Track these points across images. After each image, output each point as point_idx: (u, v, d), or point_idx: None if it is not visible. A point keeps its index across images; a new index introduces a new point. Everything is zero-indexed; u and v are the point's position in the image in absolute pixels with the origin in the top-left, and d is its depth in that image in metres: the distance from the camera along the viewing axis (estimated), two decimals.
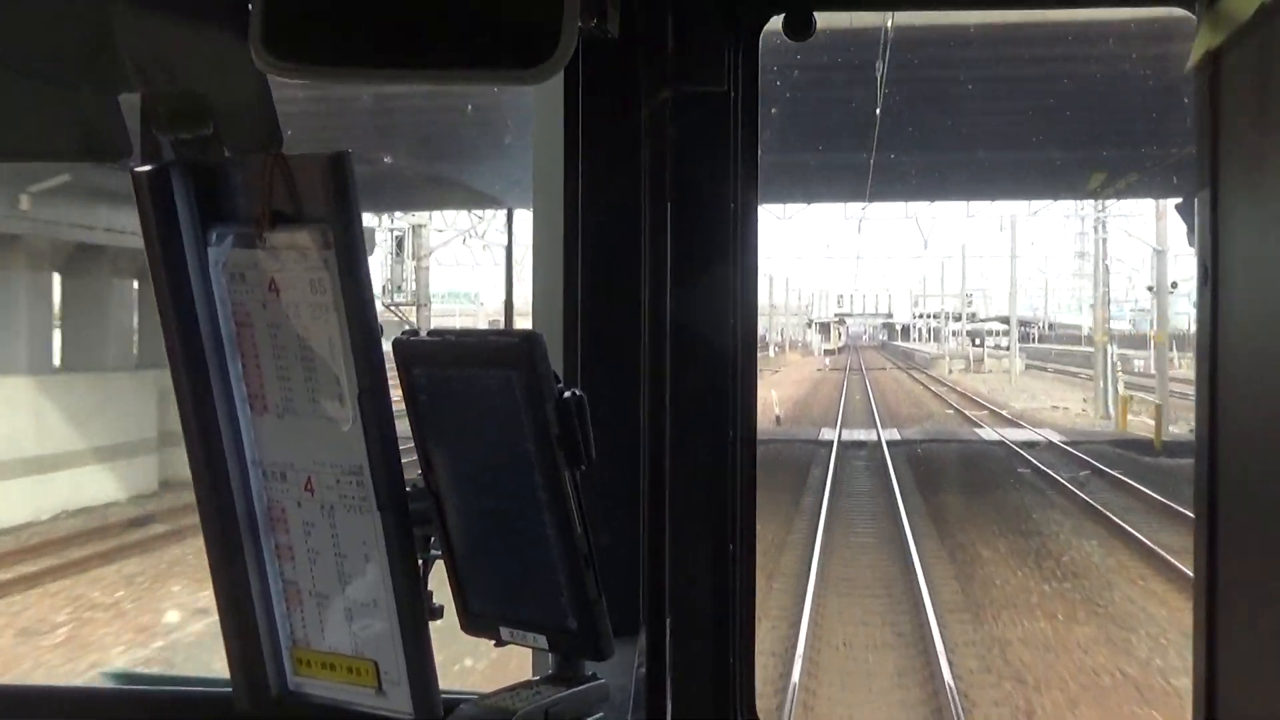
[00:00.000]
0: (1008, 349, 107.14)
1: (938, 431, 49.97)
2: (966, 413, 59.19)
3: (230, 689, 2.73)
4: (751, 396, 3.26)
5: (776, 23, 3.20)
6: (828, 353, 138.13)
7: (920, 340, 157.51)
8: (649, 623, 3.00)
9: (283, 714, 2.69)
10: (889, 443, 42.66)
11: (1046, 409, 61.04)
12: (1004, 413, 58.33)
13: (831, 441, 42.54)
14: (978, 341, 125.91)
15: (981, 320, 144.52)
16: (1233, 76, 2.65)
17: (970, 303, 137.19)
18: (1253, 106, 2.59)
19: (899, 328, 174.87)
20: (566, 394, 2.34)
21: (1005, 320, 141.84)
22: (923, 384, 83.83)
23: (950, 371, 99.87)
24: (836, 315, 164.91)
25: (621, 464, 2.98)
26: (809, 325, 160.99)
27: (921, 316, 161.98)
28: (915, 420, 56.14)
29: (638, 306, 3.05)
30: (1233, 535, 2.70)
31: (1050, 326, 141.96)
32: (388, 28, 2.20)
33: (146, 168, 2.55)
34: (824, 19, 3.21)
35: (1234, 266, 2.67)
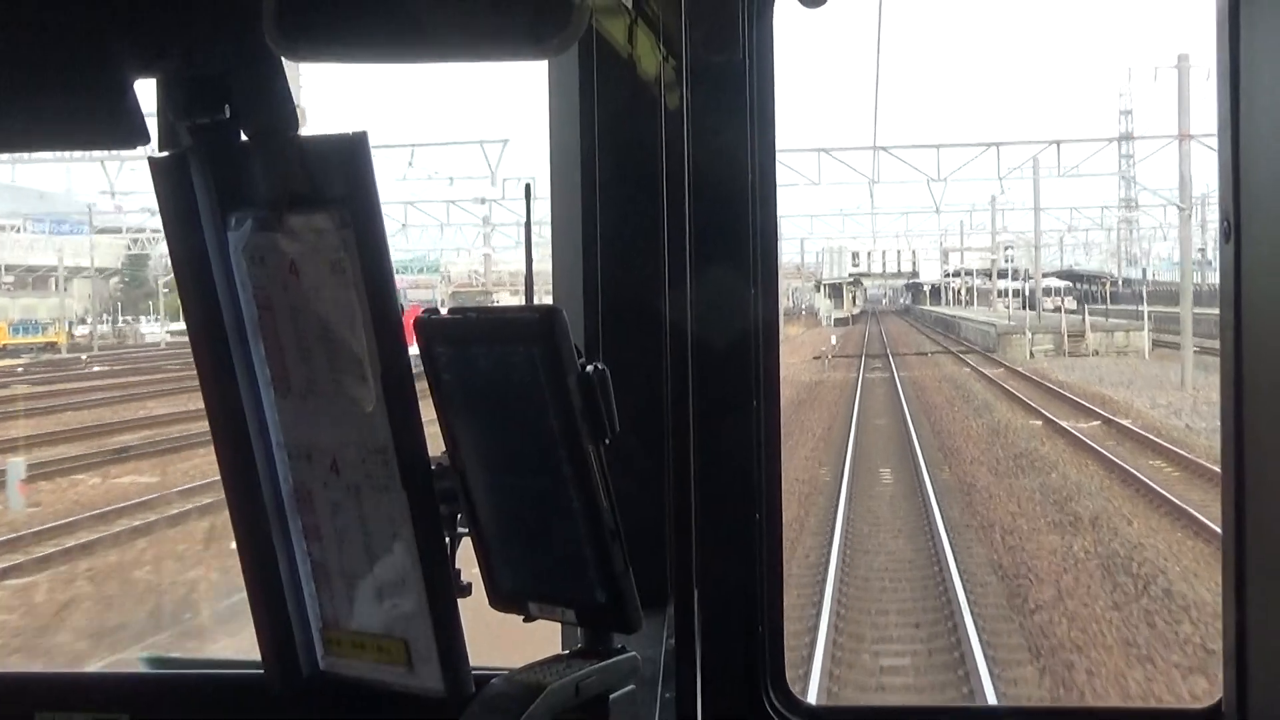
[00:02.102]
0: (1074, 312, 79.72)
1: None
2: None
3: (262, 670, 2.75)
4: (774, 364, 3.26)
5: None
6: (839, 323, 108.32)
7: (956, 303, 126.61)
8: (677, 594, 3.01)
9: (314, 694, 2.71)
10: None
11: None
12: None
13: None
14: (1067, 304, 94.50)
15: (1031, 277, 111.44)
16: (1256, 25, 2.62)
17: (1010, 258, 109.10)
18: (1275, 57, 2.56)
19: (926, 289, 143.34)
20: (589, 368, 2.34)
21: (1067, 276, 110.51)
22: (1024, 400, 39.53)
23: (1031, 355, 61.74)
24: (852, 275, 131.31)
25: (646, 436, 2.98)
26: (817, 288, 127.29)
27: (956, 274, 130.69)
28: None
29: (658, 277, 3.04)
30: (1261, 495, 2.69)
31: (1125, 283, 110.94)
32: (400, 7, 2.19)
33: (164, 154, 2.56)
34: None
35: (1258, 222, 2.64)
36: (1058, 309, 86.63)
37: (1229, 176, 2.70)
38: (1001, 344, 66.58)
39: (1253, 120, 2.65)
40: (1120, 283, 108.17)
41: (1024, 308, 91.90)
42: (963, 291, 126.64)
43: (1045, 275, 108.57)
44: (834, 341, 74.51)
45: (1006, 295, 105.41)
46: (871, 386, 48.01)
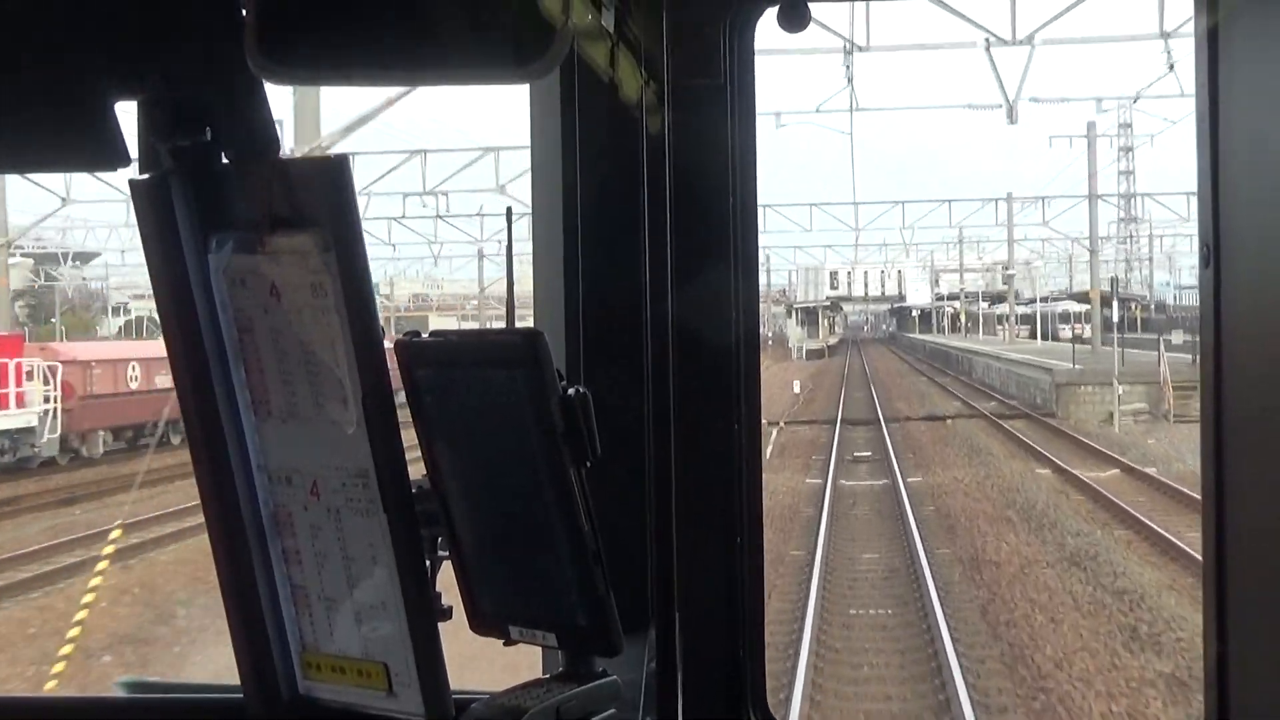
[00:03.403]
0: (1087, 340, 59.66)
1: None
2: None
3: (241, 695, 2.74)
4: (755, 387, 3.26)
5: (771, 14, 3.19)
6: (812, 356, 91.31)
7: (954, 331, 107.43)
8: (658, 617, 3.00)
9: (294, 718, 2.69)
10: None
11: None
12: None
13: None
14: (1085, 332, 70.64)
15: (1051, 300, 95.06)
16: (1233, 53, 2.64)
17: (1009, 278, 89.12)
18: (1253, 82, 2.58)
19: (915, 314, 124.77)
20: (570, 391, 2.34)
21: (1086, 298, 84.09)
22: None
23: (1116, 420, 40.24)
24: (829, 299, 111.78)
25: (627, 459, 2.98)
26: (788, 313, 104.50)
27: (953, 297, 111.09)
28: None
29: (639, 301, 3.05)
30: (1241, 522, 2.70)
31: (1159, 308, 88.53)
32: (382, 30, 2.20)
33: (144, 176, 2.55)
34: None
35: (1238, 248, 2.66)
36: (1077, 338, 69.30)
37: (1208, 204, 2.72)
38: (1063, 400, 43.98)
39: (1231, 149, 2.67)
40: (1153, 306, 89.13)
41: (1033, 336, 77.35)
42: (962, 317, 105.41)
43: (1058, 298, 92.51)
44: (797, 390, 53.37)
45: (1015, 320, 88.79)
46: (848, 538, 23.06)
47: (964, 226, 79.66)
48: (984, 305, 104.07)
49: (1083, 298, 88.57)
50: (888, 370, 74.53)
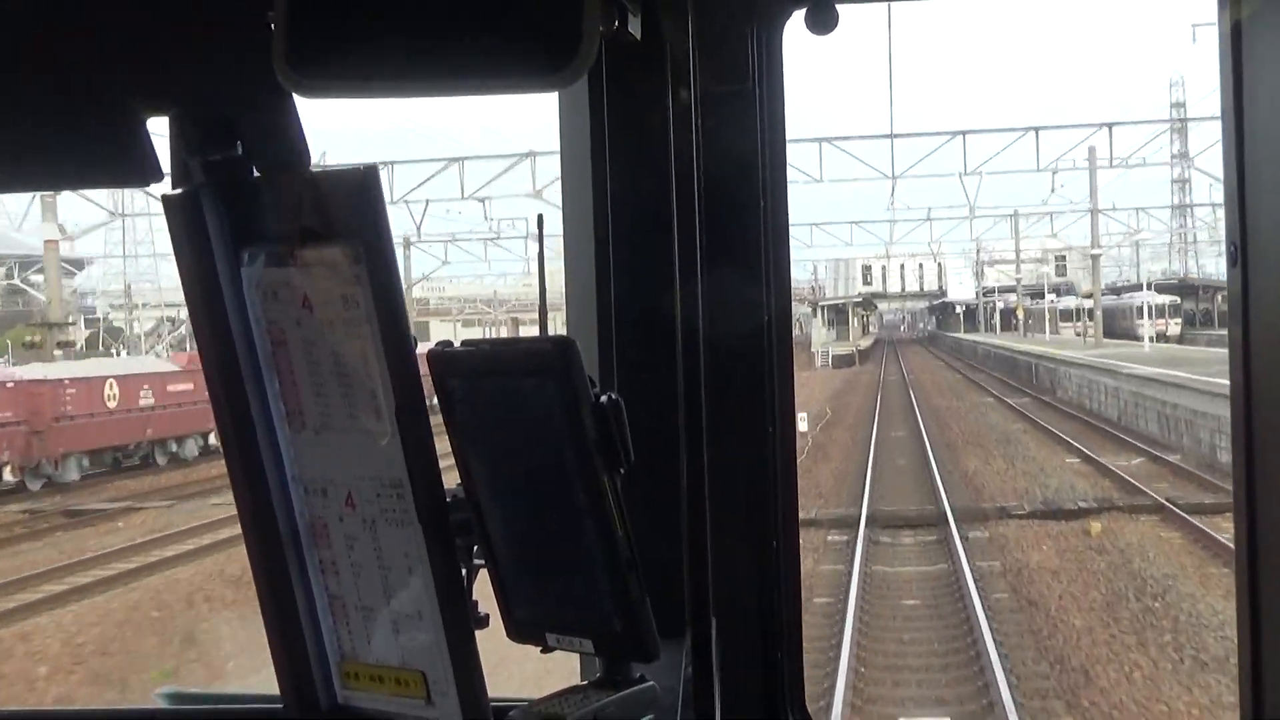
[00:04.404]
0: (1172, 339, 53.22)
1: None
2: None
3: (280, 705, 2.75)
4: (789, 389, 3.26)
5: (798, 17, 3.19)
6: (840, 363, 78.01)
7: (1005, 328, 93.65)
8: (694, 623, 3.00)
9: None
10: None
11: None
12: None
13: None
14: (1172, 328, 66.57)
15: (1120, 291, 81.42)
16: (1258, 51, 2.63)
17: (1063, 268, 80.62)
18: (1279, 80, 2.56)
19: (959, 310, 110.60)
20: (603, 398, 2.35)
21: (1174, 288, 75.51)
22: None
23: None
24: (862, 295, 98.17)
25: (661, 465, 2.98)
26: (815, 312, 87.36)
27: (1000, 290, 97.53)
28: None
29: (671, 307, 3.05)
30: (1274, 519, 2.68)
31: None
32: (410, 41, 2.21)
33: (177, 191, 2.57)
34: None
35: (1264, 246, 2.65)
36: (1161, 335, 59.28)
37: (1235, 204, 2.71)
38: None
39: (1257, 147, 2.65)
40: None
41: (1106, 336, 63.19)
42: (1020, 313, 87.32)
43: (1135, 289, 77.96)
44: (804, 427, 34.80)
45: (1066, 319, 76.73)
46: None
47: (1058, 170, 57.93)
48: (1051, 298, 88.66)
49: (1171, 286, 75.59)
50: (937, 385, 55.89)
